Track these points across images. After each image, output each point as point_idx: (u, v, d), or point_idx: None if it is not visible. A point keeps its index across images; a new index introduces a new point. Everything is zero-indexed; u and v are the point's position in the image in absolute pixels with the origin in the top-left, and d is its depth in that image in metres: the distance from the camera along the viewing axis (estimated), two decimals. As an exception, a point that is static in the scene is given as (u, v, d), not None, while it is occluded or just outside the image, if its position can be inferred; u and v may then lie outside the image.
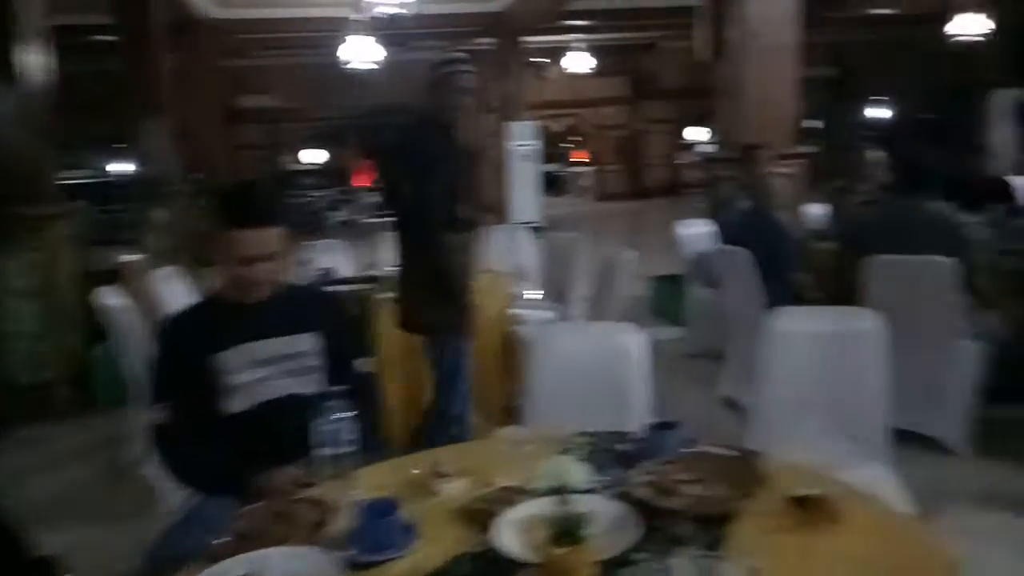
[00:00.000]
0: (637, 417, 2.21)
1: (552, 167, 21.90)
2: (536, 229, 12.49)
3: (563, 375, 2.30)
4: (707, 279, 4.32)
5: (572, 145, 20.42)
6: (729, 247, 3.71)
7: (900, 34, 15.67)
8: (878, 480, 2.16)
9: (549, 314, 3.84)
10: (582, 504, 1.17)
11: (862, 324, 2.25)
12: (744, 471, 1.46)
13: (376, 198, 18.78)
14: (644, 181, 18.10)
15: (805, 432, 2.30)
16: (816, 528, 1.27)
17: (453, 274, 2.78)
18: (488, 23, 11.86)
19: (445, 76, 2.78)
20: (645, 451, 1.61)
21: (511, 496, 1.33)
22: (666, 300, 5.77)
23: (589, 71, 14.16)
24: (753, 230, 3.70)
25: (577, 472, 1.25)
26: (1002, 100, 13.04)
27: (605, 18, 11.77)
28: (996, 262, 3.54)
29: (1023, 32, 13.26)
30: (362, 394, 1.82)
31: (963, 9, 10.99)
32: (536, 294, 4.44)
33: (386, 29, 9.44)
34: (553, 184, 20.84)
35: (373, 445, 1.72)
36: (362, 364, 2.08)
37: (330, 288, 3.56)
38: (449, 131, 2.79)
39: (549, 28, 12.66)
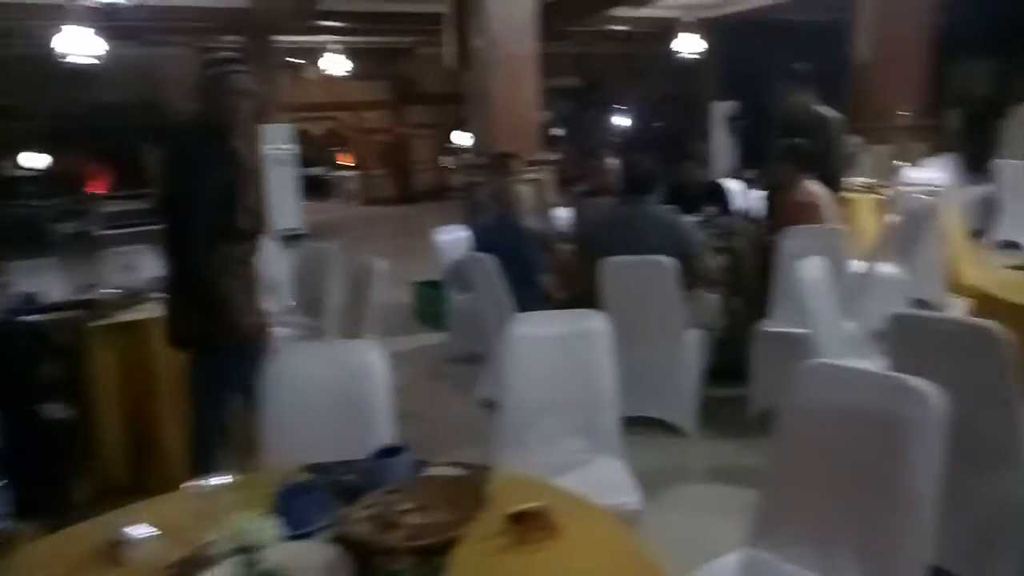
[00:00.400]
0: (381, 438, 2.13)
1: (318, 171, 21.31)
2: (296, 237, 12.05)
3: (301, 399, 2.15)
4: (463, 285, 4.35)
5: (338, 149, 19.94)
6: (478, 253, 3.75)
7: (636, 48, 17.20)
8: (611, 471, 2.27)
9: (288, 330, 3.62)
10: (275, 561, 1.04)
11: (591, 325, 2.34)
12: (468, 492, 1.42)
13: (115, 207, 16.96)
14: (412, 185, 18.12)
15: (547, 431, 2.36)
16: (535, 544, 1.26)
17: (233, 287, 2.60)
18: (233, 19, 11.11)
19: (218, 77, 2.61)
20: (371, 481, 1.52)
21: (202, 559, 1.17)
22: (430, 306, 5.75)
23: (346, 74, 13.91)
24: (500, 236, 3.77)
25: (262, 529, 1.12)
26: (719, 111, 14.86)
27: (360, 20, 11.58)
28: (710, 258, 3.94)
29: (731, 54, 15.23)
30: (46, 448, 1.53)
31: (685, 30, 12.34)
32: (285, 307, 4.19)
33: (111, 20, 8.48)
34: (319, 189, 20.24)
35: (58, 507, 1.45)
36: (52, 410, 1.77)
37: (29, 317, 3.06)
38: (224, 136, 2.63)
39: (302, 28, 12.18)
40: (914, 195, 4.83)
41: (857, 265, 4.04)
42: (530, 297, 3.67)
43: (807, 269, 2.83)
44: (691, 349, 3.52)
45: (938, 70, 13.22)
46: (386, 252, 5.28)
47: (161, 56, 14.32)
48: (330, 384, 2.17)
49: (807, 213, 3.78)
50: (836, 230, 3.75)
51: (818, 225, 3.78)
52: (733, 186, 6.50)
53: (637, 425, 3.59)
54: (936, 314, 2.05)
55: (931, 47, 7.93)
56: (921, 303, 4.84)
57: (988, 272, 3.06)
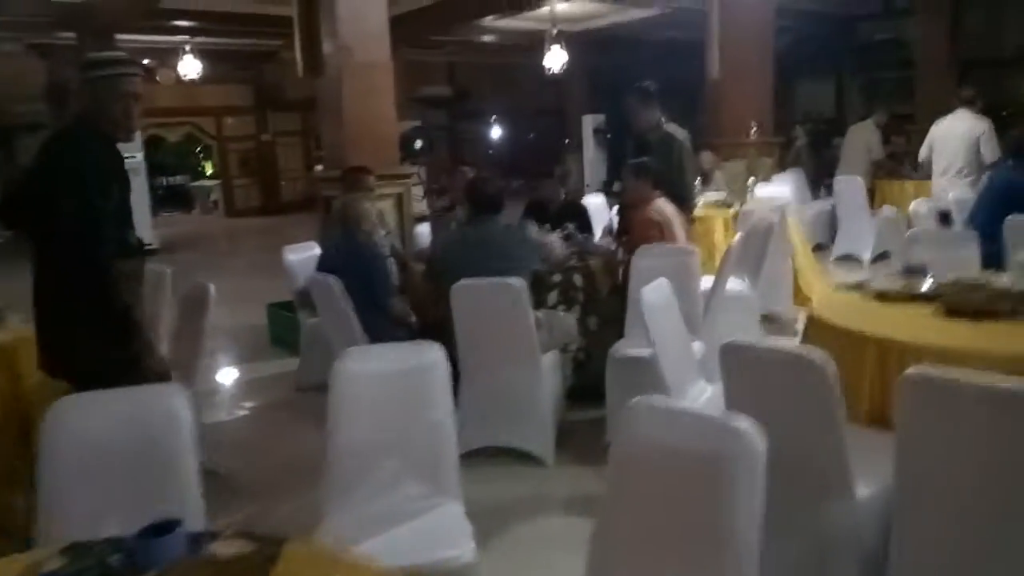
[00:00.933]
0: (188, 499, 1.87)
1: (180, 180, 20.00)
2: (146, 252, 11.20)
3: (86, 456, 1.86)
4: (312, 308, 4.09)
5: (201, 156, 18.85)
6: (320, 275, 3.51)
7: (507, 59, 17.32)
8: (449, 519, 2.11)
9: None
10: None
11: (427, 358, 2.18)
12: (252, 572, 1.22)
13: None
14: (279, 196, 17.37)
15: (381, 477, 2.17)
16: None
17: (127, 308, 2.36)
18: (69, 15, 10.20)
19: (106, 79, 2.35)
20: (140, 563, 1.29)
21: None
22: (285, 329, 5.41)
23: (198, 76, 13.13)
24: (346, 256, 3.55)
25: None
26: (587, 124, 15.21)
27: (214, 21, 10.94)
28: (564, 277, 3.89)
29: (599, 68, 15.66)
30: None
31: (552, 42, 12.49)
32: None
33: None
34: (181, 199, 19.01)
35: None
36: None
37: None
38: (113, 143, 2.41)
39: (149, 27, 11.38)
40: (758, 211, 5.00)
41: (708, 283, 4.11)
42: (379, 323, 3.48)
43: (651, 292, 2.80)
44: (547, 373, 3.43)
45: (784, 90, 14.14)
46: (245, 269, 4.93)
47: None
48: (122, 437, 1.89)
49: (657, 231, 3.80)
50: (685, 248, 3.78)
51: (668, 243, 3.81)
52: (599, 201, 6.57)
53: (495, 455, 3.48)
54: (764, 344, 2.04)
55: (776, 68, 8.39)
56: (770, 318, 5.05)
57: (819, 293, 3.15)
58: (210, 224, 16.24)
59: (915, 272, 2.93)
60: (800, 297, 5.49)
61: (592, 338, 3.97)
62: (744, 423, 1.45)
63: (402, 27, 11.89)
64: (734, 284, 4.67)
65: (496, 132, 21.06)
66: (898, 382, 1.77)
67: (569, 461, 3.45)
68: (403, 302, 3.65)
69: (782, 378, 2.00)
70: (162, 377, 2.45)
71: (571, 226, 4.62)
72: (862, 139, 8.14)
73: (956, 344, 2.19)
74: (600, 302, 3.98)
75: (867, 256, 7.24)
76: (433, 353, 2.17)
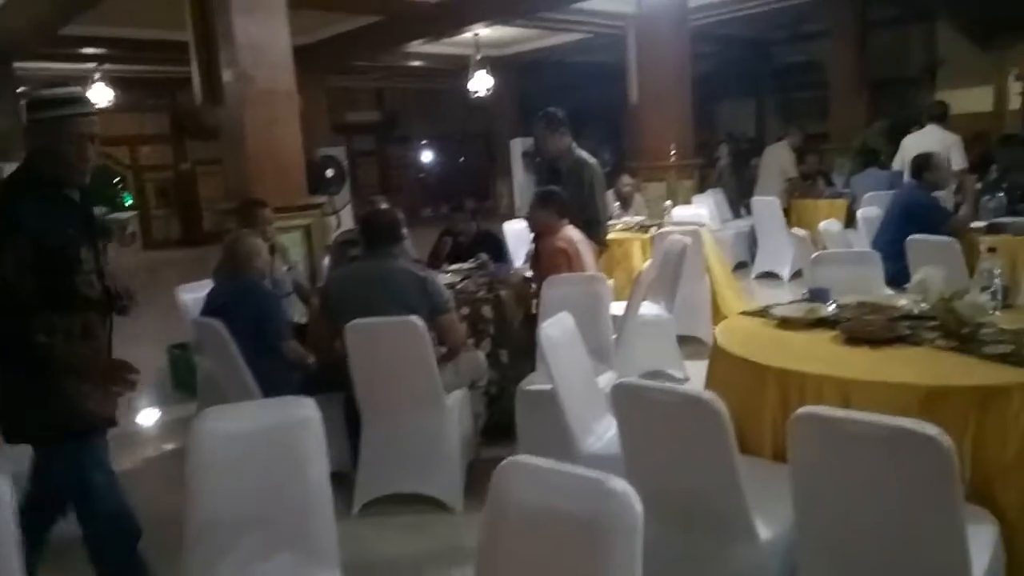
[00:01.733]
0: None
1: (98, 212, 19.16)
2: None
3: None
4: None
5: (120, 187, 18.10)
6: (204, 318, 3.27)
7: (436, 84, 17.25)
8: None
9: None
10: None
11: (299, 414, 1.99)
12: None
13: None
14: (201, 227, 16.78)
15: (247, 551, 1.97)
16: None
17: (67, 366, 2.16)
18: (-40, 42, 9.65)
19: (56, 120, 2.12)
20: None
21: None
22: (185, 372, 5.10)
23: (109, 104, 12.62)
24: (234, 296, 3.32)
25: None
26: (516, 148, 15.21)
27: (122, 48, 10.51)
28: (472, 309, 3.75)
29: (526, 92, 15.74)
30: None
31: (478, 67, 12.50)
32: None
33: None
34: (98, 232, 18.19)
35: None
36: None
37: None
38: (60, 188, 2.18)
39: (57, 55, 10.87)
40: (673, 234, 4.97)
41: (623, 308, 4.02)
42: (273, 368, 3.25)
43: (551, 327, 2.67)
44: (454, 413, 3.26)
45: (707, 111, 14.46)
46: (160, 305, 4.63)
47: None
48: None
49: (564, 260, 3.70)
50: (595, 277, 3.69)
51: (576, 272, 3.71)
52: (522, 227, 6.45)
53: (400, 503, 3.28)
54: (655, 385, 1.92)
55: (699, 90, 8.51)
56: (690, 341, 5.00)
57: (727, 321, 3.08)
58: (126, 257, 15.54)
59: (819, 296, 2.89)
60: (719, 318, 5.47)
61: (504, 371, 3.83)
62: (620, 484, 1.32)
63: (325, 53, 11.78)
64: (650, 308, 4.62)
65: (426, 157, 20.94)
66: (789, 422, 1.67)
67: (480, 506, 3.26)
68: (298, 344, 3.43)
69: (675, 420, 1.89)
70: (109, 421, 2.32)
71: (484, 256, 4.48)
72: (777, 160, 8.30)
73: (853, 375, 2.12)
74: (511, 334, 3.84)
75: (786, 273, 7.35)
76: (305, 409, 1.99)
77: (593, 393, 2.81)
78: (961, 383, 2.00)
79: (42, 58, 11.25)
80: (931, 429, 1.46)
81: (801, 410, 1.64)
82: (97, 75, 12.17)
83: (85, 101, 2.23)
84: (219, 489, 1.91)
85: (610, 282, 5.41)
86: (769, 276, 7.55)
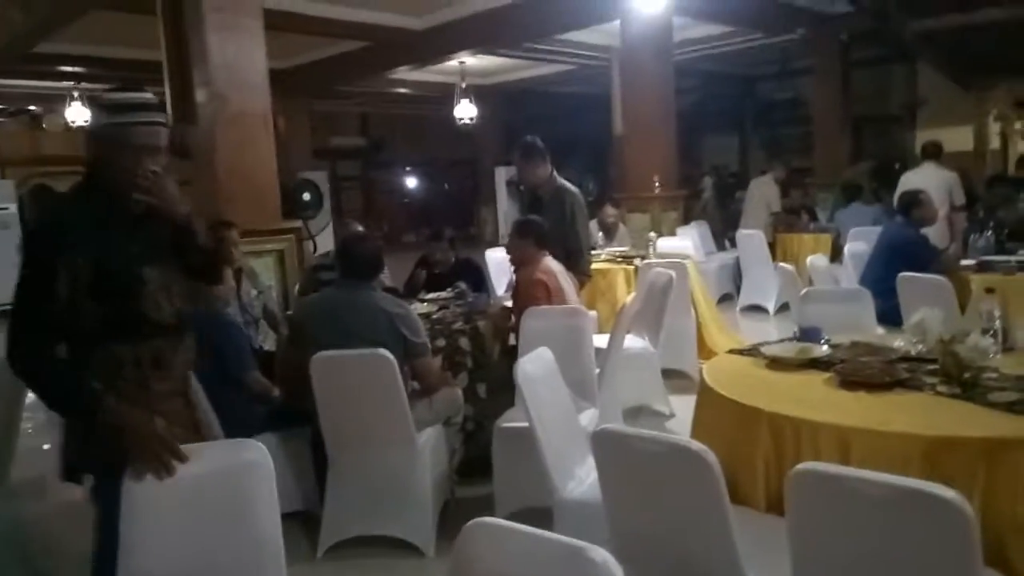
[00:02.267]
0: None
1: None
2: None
3: None
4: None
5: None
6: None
7: (421, 111, 17.22)
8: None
9: None
10: None
11: (243, 457, 1.81)
12: None
13: None
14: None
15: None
16: None
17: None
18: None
19: (117, 127, 1.89)
20: None
21: None
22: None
23: (86, 123, 12.44)
24: (193, 321, 3.12)
25: None
26: (501, 176, 15.15)
27: (101, 67, 10.35)
28: (448, 341, 3.58)
29: (511, 120, 15.76)
30: None
31: (463, 95, 12.48)
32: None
33: None
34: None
35: None
36: None
37: None
38: (123, 202, 1.92)
39: (33, 72, 10.70)
40: (657, 266, 4.84)
41: (605, 341, 3.87)
42: (233, 400, 3.05)
43: (529, 363, 2.51)
44: (426, 452, 3.07)
45: (692, 144, 14.50)
46: None
47: None
48: None
49: (543, 292, 3.55)
50: (576, 310, 3.54)
51: (556, 305, 3.56)
52: (503, 256, 6.31)
53: (368, 545, 3.08)
54: (638, 432, 1.76)
55: (683, 123, 8.47)
56: (675, 375, 4.86)
57: (715, 359, 2.94)
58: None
59: (810, 335, 2.76)
60: (705, 351, 5.35)
61: (482, 406, 3.65)
62: (600, 555, 1.16)
63: (309, 77, 11.69)
64: (635, 342, 4.48)
65: (411, 183, 20.83)
66: (787, 478, 1.52)
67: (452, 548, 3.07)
68: (260, 376, 3.23)
69: (661, 471, 1.72)
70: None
71: (463, 285, 4.32)
72: (762, 193, 8.25)
73: (851, 422, 1.98)
74: (490, 367, 3.67)
75: (772, 306, 7.25)
76: (252, 452, 1.80)
77: (574, 433, 2.64)
78: (968, 434, 1.86)
79: (20, 75, 11.09)
80: (947, 492, 1.31)
81: (801, 466, 1.49)
82: (75, 94, 12.01)
83: (151, 108, 1.94)
84: (155, 541, 1.72)
85: (593, 314, 5.30)
86: (754, 309, 7.46)
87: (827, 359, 2.51)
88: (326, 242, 10.18)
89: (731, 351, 2.88)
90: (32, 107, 14.37)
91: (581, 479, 2.54)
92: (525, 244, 3.67)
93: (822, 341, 2.70)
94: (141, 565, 1.70)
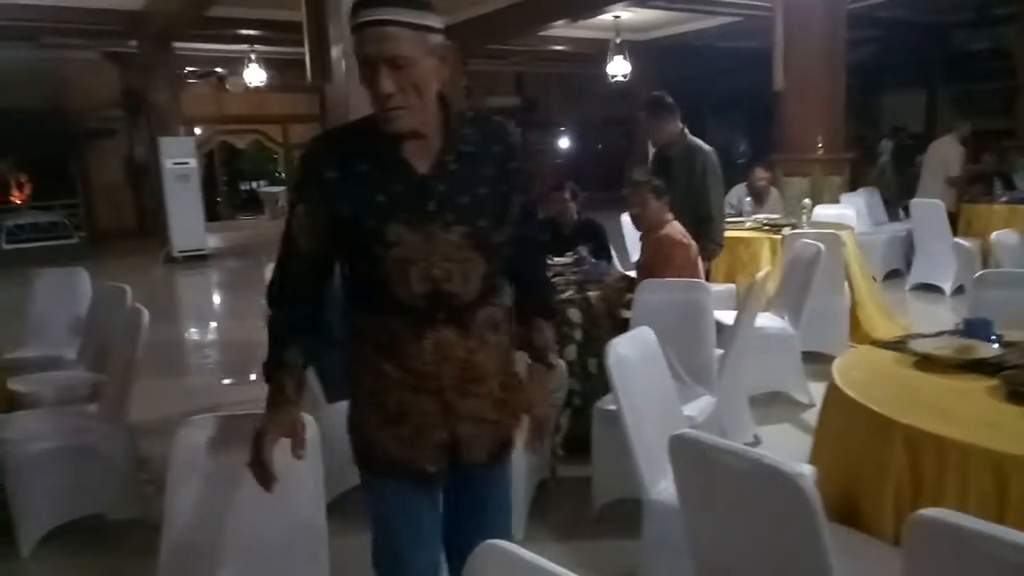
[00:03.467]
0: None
1: (257, 185, 20.44)
2: (198, 258, 11.25)
3: None
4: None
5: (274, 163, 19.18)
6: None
7: (575, 69, 16.84)
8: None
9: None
10: None
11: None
12: None
13: (26, 219, 15.96)
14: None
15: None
16: None
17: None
18: (127, 23, 10.32)
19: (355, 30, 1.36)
20: None
21: None
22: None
23: (261, 84, 13.22)
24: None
25: None
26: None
27: (274, 29, 10.85)
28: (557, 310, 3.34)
29: (666, 77, 14.99)
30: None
31: (616, 52, 12.00)
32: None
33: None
34: (253, 204, 19.42)
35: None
36: None
37: None
38: (376, 140, 1.45)
39: (207, 35, 11.43)
40: (805, 237, 4.32)
41: (735, 318, 3.48)
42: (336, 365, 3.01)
43: (623, 345, 2.23)
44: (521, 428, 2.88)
45: (868, 103, 13.12)
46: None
47: (66, 60, 13.45)
48: None
49: (683, 255, 3.22)
50: (697, 283, 3.18)
51: (677, 275, 3.22)
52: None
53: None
54: (723, 444, 1.46)
55: (858, 79, 7.59)
56: (819, 359, 4.35)
57: (851, 353, 2.51)
58: (274, 228, 16.36)
59: (977, 329, 2.26)
60: (859, 334, 4.76)
61: (592, 382, 3.41)
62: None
63: (464, 35, 11.69)
64: (772, 321, 4.03)
65: (563, 142, 20.54)
66: (906, 525, 1.18)
67: (544, 534, 2.89)
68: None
69: (744, 491, 1.42)
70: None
71: (584, 249, 4.05)
72: (941, 156, 7.25)
73: (1015, 447, 1.56)
74: (600, 341, 3.40)
75: (948, 287, 6.38)
76: (300, 424, 1.69)
77: (674, 425, 2.34)
78: None
79: (200, 39, 11.90)
80: None
81: (926, 512, 1.14)
82: (252, 56, 12.74)
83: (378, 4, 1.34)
84: (197, 513, 1.66)
85: (729, 287, 4.87)
86: (927, 288, 6.60)
87: (995, 361, 2.03)
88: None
89: (874, 343, 2.44)
90: (218, 69, 15.49)
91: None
92: (662, 205, 3.35)
93: (992, 338, 2.20)
94: (182, 534, 1.65)
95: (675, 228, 3.47)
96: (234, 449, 1.67)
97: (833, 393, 2.07)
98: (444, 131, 1.47)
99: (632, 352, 2.25)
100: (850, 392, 1.96)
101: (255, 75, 13.17)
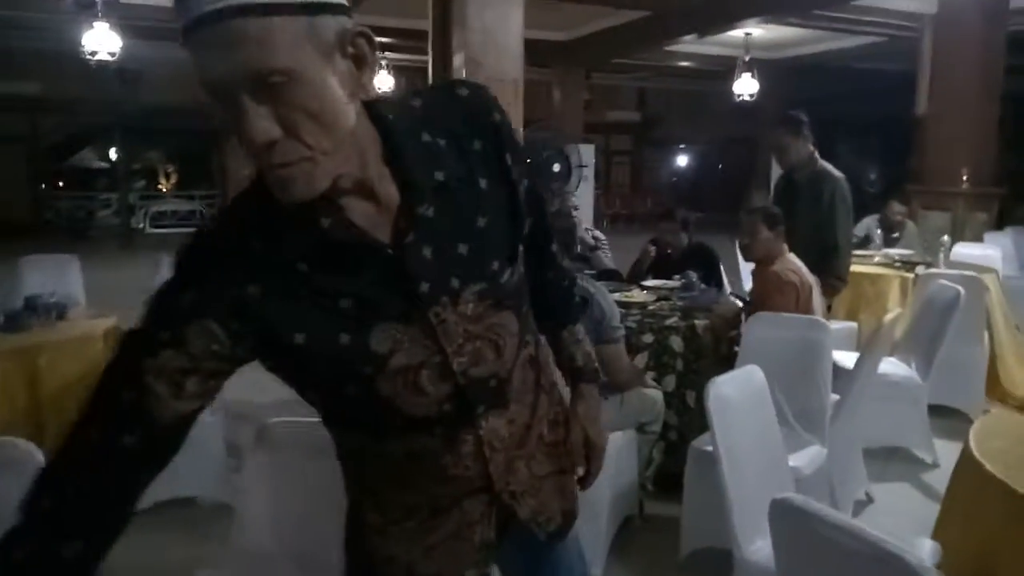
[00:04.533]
0: None
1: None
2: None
3: None
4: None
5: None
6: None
7: (698, 86, 16.44)
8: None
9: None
10: None
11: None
12: None
13: (169, 206, 17.19)
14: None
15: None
16: None
17: None
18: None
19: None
20: None
21: None
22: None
23: (388, 91, 13.66)
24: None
25: None
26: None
27: (399, 37, 11.17)
28: (657, 338, 3.18)
29: (794, 98, 14.34)
30: None
31: (744, 70, 11.61)
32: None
33: (143, 19, 8.41)
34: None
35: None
36: None
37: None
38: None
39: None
40: (942, 278, 3.93)
41: (856, 361, 3.19)
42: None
43: (727, 384, 2.06)
44: (609, 460, 2.74)
45: (1018, 134, 12.04)
46: None
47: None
48: None
49: (778, 295, 2.99)
50: (815, 322, 2.93)
51: (793, 311, 2.99)
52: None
53: None
54: (838, 519, 1.27)
55: (1011, 108, 6.94)
56: (949, 414, 3.95)
57: (993, 414, 2.22)
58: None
59: None
60: (998, 391, 4.29)
61: (690, 416, 3.23)
62: None
63: (588, 49, 11.62)
64: (897, 368, 3.70)
65: (682, 160, 20.10)
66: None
67: (627, 571, 2.74)
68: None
69: (856, 570, 1.24)
70: None
71: (693, 274, 3.86)
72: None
73: None
74: (702, 374, 3.21)
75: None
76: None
77: (777, 477, 2.15)
78: None
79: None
80: None
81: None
82: (383, 63, 13.21)
83: None
84: (268, 516, 1.63)
85: (851, 325, 4.52)
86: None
87: None
88: (586, 214, 10.13)
89: (1016, 404, 2.14)
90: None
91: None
92: (776, 236, 3.13)
93: None
94: (254, 539, 1.63)
95: (787, 263, 3.22)
96: (309, 456, 1.64)
97: (968, 462, 1.82)
98: (392, 162, 0.93)
99: (736, 393, 2.07)
100: (988, 465, 1.71)
101: (385, 81, 13.65)
